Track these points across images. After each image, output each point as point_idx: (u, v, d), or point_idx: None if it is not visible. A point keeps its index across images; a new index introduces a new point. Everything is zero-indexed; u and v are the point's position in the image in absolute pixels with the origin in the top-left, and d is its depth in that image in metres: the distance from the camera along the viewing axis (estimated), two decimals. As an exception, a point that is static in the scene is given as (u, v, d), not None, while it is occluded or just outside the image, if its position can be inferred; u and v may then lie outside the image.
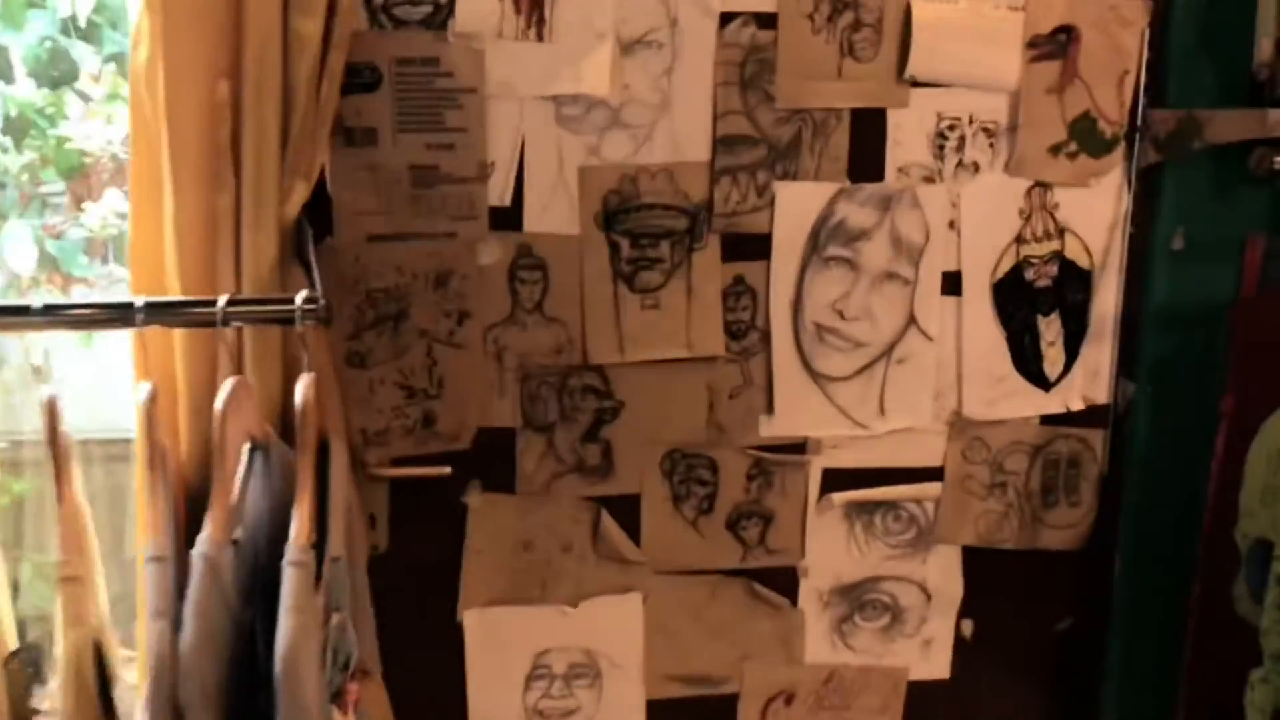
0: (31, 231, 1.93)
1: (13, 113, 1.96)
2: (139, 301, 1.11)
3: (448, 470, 1.56)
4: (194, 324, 1.15)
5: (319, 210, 1.47)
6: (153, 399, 1.09)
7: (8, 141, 1.96)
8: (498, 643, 1.65)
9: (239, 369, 1.34)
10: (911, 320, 1.64)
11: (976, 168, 1.62)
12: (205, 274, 1.32)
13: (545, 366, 1.58)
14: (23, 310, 1.14)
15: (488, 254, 1.54)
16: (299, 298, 1.13)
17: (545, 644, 1.68)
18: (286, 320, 1.13)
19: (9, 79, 1.93)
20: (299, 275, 1.38)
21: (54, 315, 1.13)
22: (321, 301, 1.13)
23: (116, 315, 1.12)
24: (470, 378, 1.56)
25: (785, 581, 1.71)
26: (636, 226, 1.56)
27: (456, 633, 1.64)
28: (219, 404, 1.09)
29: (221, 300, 1.12)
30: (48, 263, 1.95)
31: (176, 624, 0.98)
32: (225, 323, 1.12)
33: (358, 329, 1.52)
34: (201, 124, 1.29)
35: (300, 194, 1.35)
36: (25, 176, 1.99)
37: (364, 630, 1.47)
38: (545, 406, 1.59)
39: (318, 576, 1.18)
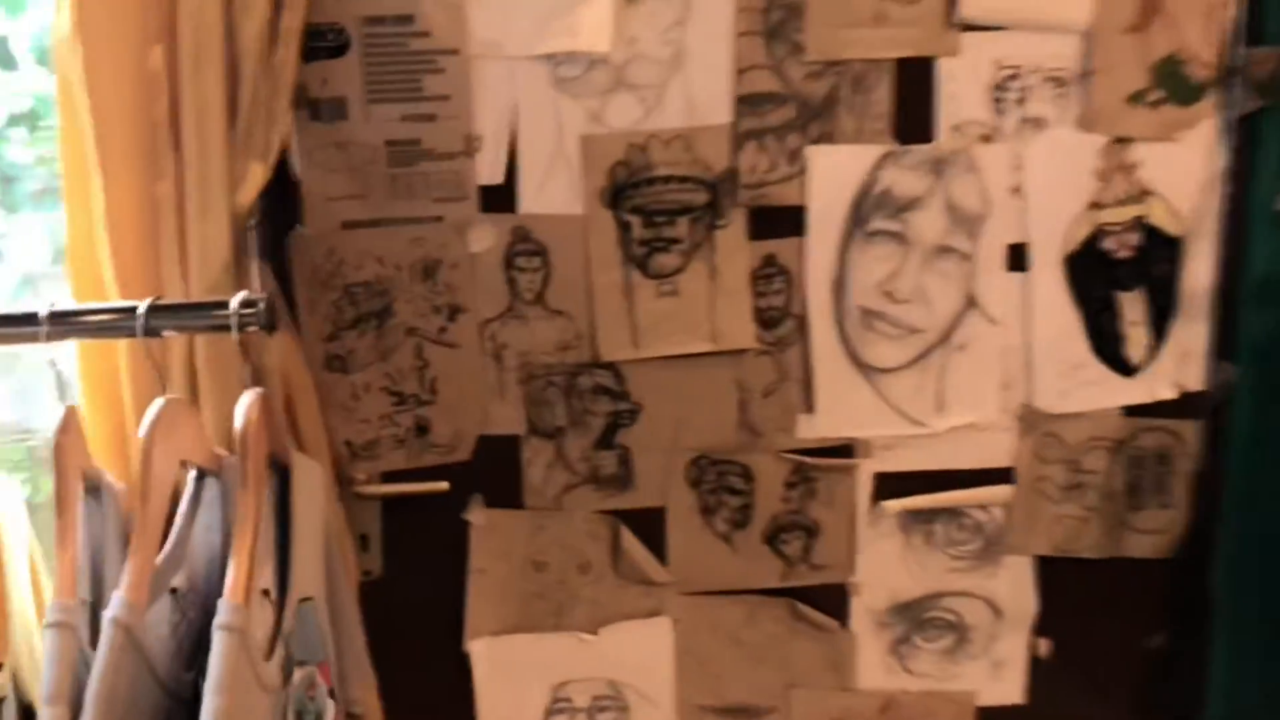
0: (47, 225, 1.80)
1: (25, 105, 1.82)
2: (43, 311, 0.94)
3: (445, 486, 1.39)
4: (106, 335, 0.98)
5: (286, 196, 1.30)
6: (65, 427, 0.92)
7: (21, 133, 1.83)
8: (511, 675, 1.48)
9: (192, 382, 1.17)
10: (971, 301, 1.42)
11: (1043, 123, 1.39)
12: (146, 275, 1.16)
13: (550, 365, 1.39)
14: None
15: (479, 240, 1.35)
16: (234, 301, 0.96)
17: (564, 675, 1.49)
18: (221, 327, 0.96)
19: (11, 66, 1.80)
20: (261, 273, 1.21)
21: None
22: (262, 304, 0.95)
23: (19, 329, 0.94)
24: (466, 380, 1.38)
25: (834, 600, 1.51)
26: (649, 202, 1.36)
27: (464, 664, 1.46)
28: (142, 431, 0.92)
29: (141, 306, 0.95)
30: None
31: (77, 709, 0.80)
32: (150, 333, 0.94)
33: (337, 329, 1.35)
34: (132, 98, 1.12)
35: (256, 178, 1.18)
36: (41, 169, 1.86)
37: (355, 669, 1.30)
38: (552, 410, 1.40)
39: (276, 629, 1.01)
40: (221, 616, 0.86)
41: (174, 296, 1.16)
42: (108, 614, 0.83)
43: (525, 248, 1.36)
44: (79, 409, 0.95)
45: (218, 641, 0.84)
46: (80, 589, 0.92)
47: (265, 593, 0.99)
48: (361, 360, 1.35)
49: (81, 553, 0.98)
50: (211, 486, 1.07)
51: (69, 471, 0.90)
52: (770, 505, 1.46)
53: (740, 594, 1.49)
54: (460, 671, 1.46)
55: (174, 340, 1.15)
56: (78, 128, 1.13)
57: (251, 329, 0.95)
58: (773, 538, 1.48)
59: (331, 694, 1.15)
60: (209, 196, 1.15)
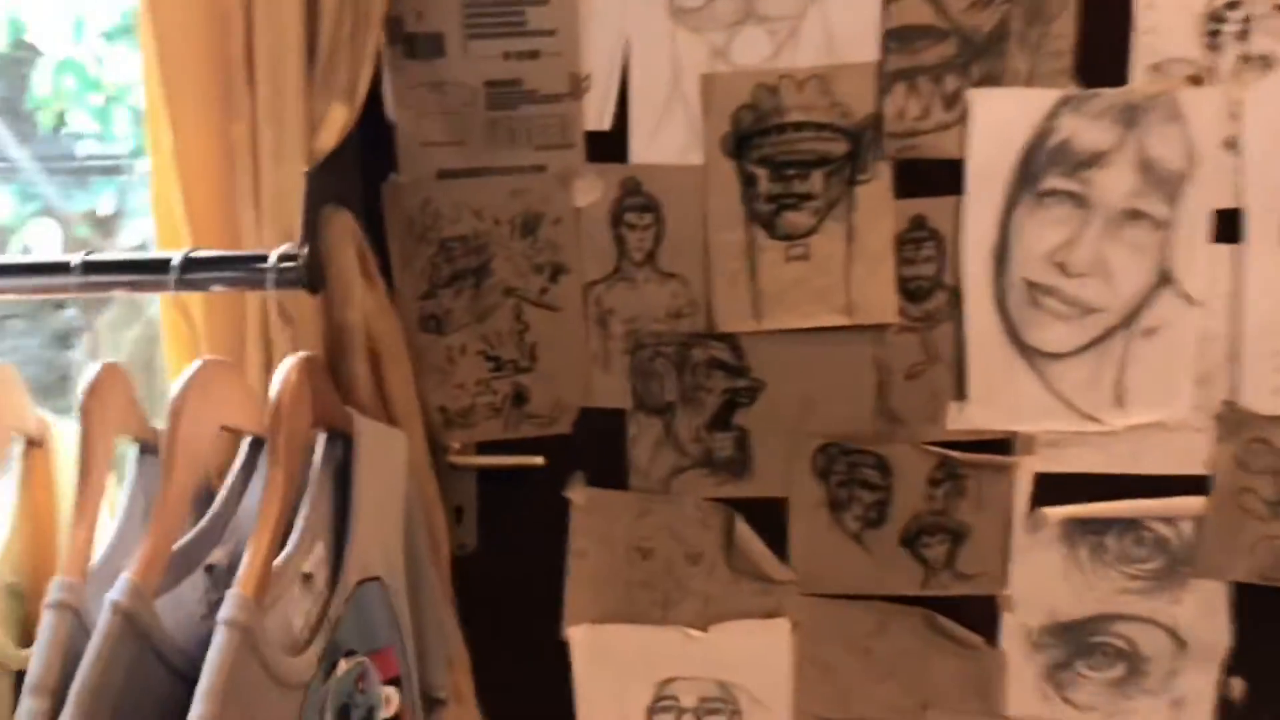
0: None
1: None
2: (75, 259, 0.87)
3: (540, 461, 1.27)
4: (140, 289, 0.90)
5: (381, 141, 1.20)
6: (95, 388, 0.85)
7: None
8: (612, 666, 1.36)
9: (266, 341, 1.09)
10: (1165, 277, 1.19)
11: (1271, 62, 1.13)
12: (220, 224, 1.08)
13: (660, 334, 1.25)
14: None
15: (585, 192, 1.22)
16: (274, 255, 0.86)
17: (670, 671, 1.37)
18: (255, 284, 0.86)
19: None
20: (342, 224, 1.12)
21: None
22: (301, 259, 0.85)
23: (50, 279, 0.88)
24: (568, 347, 1.26)
25: (980, 614, 1.31)
26: (778, 152, 1.19)
27: (561, 649, 1.36)
28: (173, 396, 0.84)
29: (176, 258, 0.86)
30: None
31: (58, 705, 0.73)
32: (179, 288, 0.86)
33: (432, 286, 1.25)
34: (204, 32, 1.03)
35: (337, 119, 1.08)
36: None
37: (438, 650, 1.21)
38: (661, 384, 1.26)
39: (321, 617, 0.92)
40: (225, 609, 0.77)
41: (250, 245, 1.09)
42: (108, 596, 0.75)
43: (635, 202, 1.21)
44: (119, 368, 0.88)
45: (216, 638, 0.75)
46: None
47: (307, 577, 0.90)
48: (457, 321, 1.25)
49: (128, 523, 0.92)
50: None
51: (95, 436, 0.83)
52: (910, 503, 1.28)
53: (871, 599, 1.32)
54: (557, 657, 1.36)
55: (251, 296, 1.07)
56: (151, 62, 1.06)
57: (289, 288, 0.85)
58: (912, 540, 1.29)
59: (395, 681, 1.07)
60: (284, 139, 1.06)
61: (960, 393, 1.24)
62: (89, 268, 0.87)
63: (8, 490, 0.93)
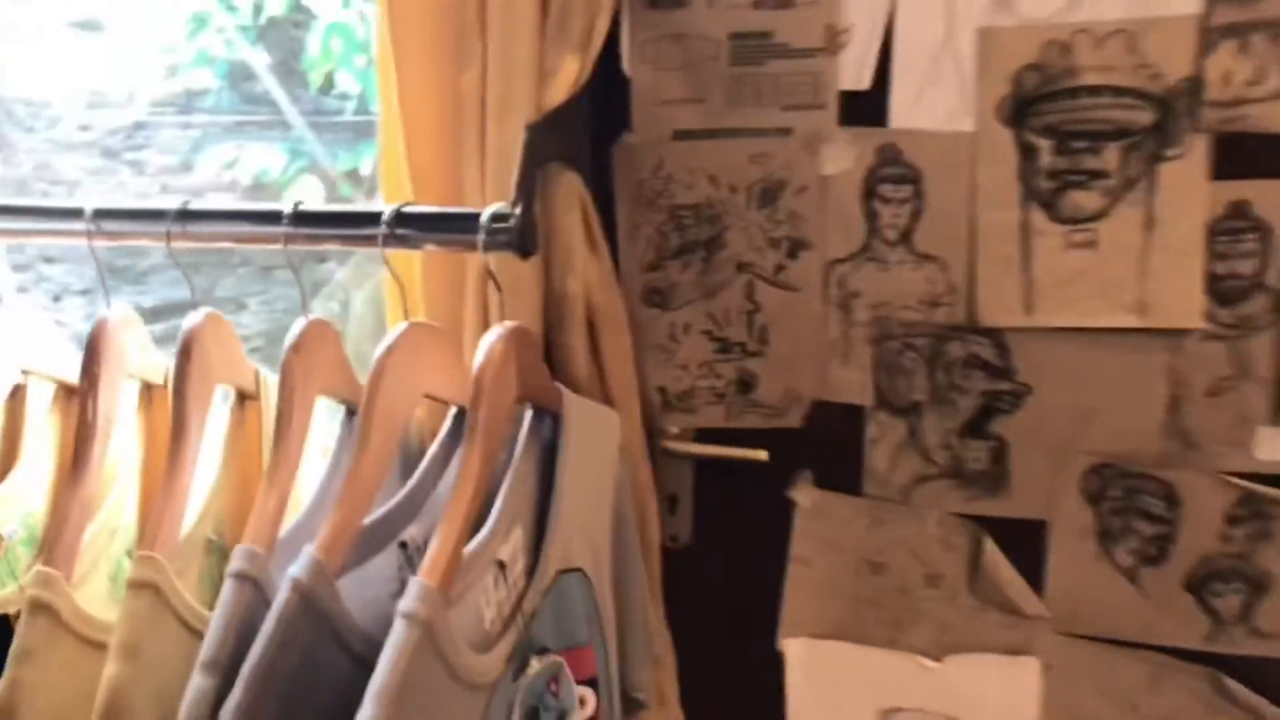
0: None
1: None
2: (285, 209, 0.82)
3: (763, 455, 1.16)
4: (348, 243, 0.84)
5: (615, 97, 1.12)
6: (300, 344, 0.80)
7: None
8: (830, 687, 1.23)
9: (484, 307, 1.03)
10: None
11: None
12: (446, 181, 1.02)
13: (912, 324, 1.10)
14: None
15: (835, 159, 1.08)
16: (485, 213, 0.78)
17: (896, 700, 1.22)
18: (465, 244, 0.79)
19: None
20: (568, 185, 1.04)
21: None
22: (514, 220, 0.77)
23: (258, 228, 0.83)
24: (804, 331, 1.13)
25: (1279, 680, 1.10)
26: (1067, 121, 1.02)
27: (774, 660, 1.24)
28: (375, 360, 0.77)
29: (387, 213, 0.80)
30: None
31: (229, 684, 0.68)
32: (388, 244, 0.80)
33: (659, 257, 1.15)
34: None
35: (569, 71, 1.00)
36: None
37: (642, 649, 1.12)
38: (909, 380, 1.12)
39: (515, 610, 0.85)
40: (407, 600, 0.70)
41: (474, 202, 1.02)
42: (289, 571, 0.70)
43: (893, 172, 1.07)
44: (328, 324, 0.83)
45: (394, 631, 0.69)
46: (303, 533, 0.80)
47: (501, 565, 0.82)
48: (684, 296, 1.15)
49: (327, 489, 0.88)
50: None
51: (295, 396, 0.79)
52: (1201, 542, 1.08)
53: (1143, 649, 1.13)
54: (770, 667, 1.24)
55: (471, 258, 1.01)
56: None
57: (499, 250, 0.77)
58: (1200, 585, 1.09)
59: (592, 682, 0.98)
60: (512, 90, 0.98)
61: (1276, 417, 1.03)
62: (298, 219, 0.82)
63: (215, 443, 0.91)
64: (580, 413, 0.95)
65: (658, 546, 1.18)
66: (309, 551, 0.71)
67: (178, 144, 3.41)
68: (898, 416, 1.13)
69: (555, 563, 0.91)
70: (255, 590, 0.71)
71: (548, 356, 1.06)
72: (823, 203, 1.09)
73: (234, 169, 3.26)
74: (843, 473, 1.16)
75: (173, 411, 0.80)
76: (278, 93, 3.13)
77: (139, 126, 3.39)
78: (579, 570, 0.96)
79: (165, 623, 0.70)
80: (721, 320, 1.15)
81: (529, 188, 0.86)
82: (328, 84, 2.78)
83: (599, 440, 1.00)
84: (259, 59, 3.09)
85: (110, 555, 0.85)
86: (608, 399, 1.09)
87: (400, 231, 0.80)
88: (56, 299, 3.22)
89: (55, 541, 0.76)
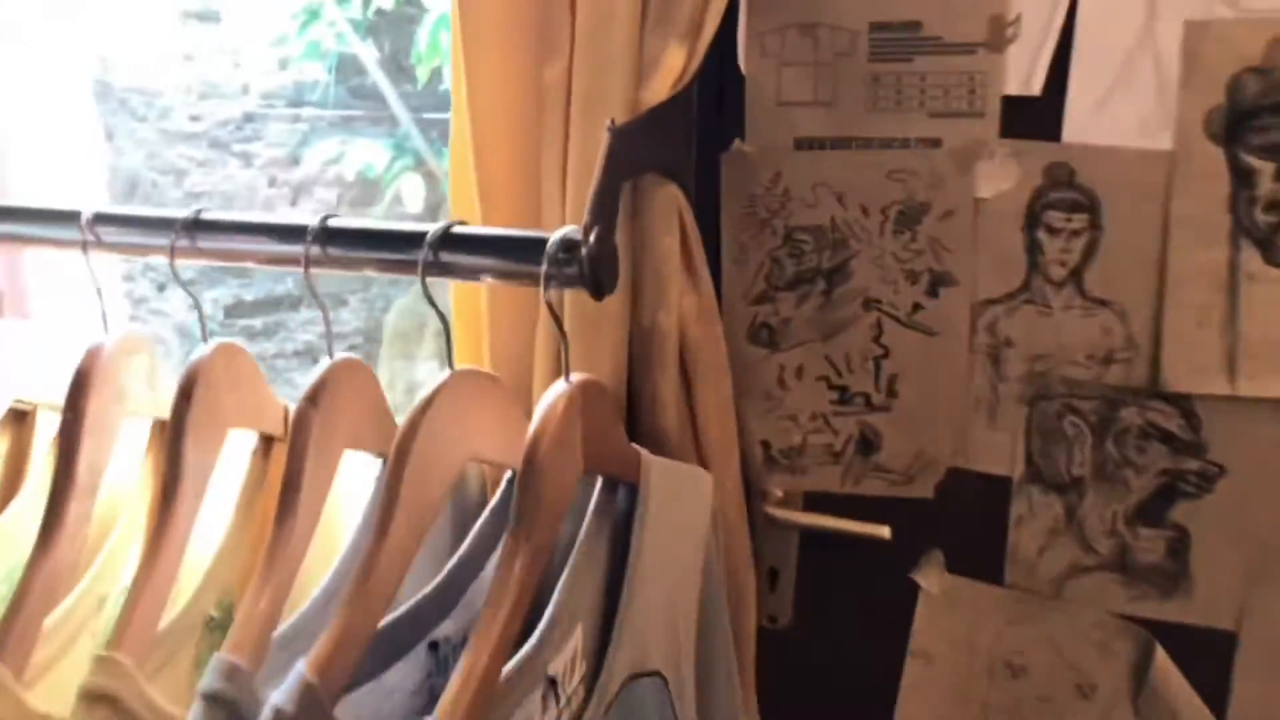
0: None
1: None
2: (312, 223, 0.67)
3: (885, 532, 0.97)
4: (384, 269, 0.68)
5: (728, 97, 0.94)
6: (315, 395, 0.64)
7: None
8: (951, 803, 1.04)
9: (557, 343, 0.86)
10: None
11: None
12: (519, 189, 0.86)
13: (1078, 383, 0.90)
14: None
15: (994, 179, 0.89)
16: (552, 239, 0.61)
17: (1030, 827, 1.02)
18: (521, 276, 0.62)
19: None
20: (666, 200, 0.86)
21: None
22: (587, 249, 0.60)
23: (278, 246, 0.67)
24: (942, 384, 0.94)
25: None
26: (1297, 140, 0.81)
27: (885, 769, 1.05)
28: (405, 420, 0.61)
29: (431, 233, 0.64)
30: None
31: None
32: (429, 272, 0.63)
33: (770, 287, 0.97)
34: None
35: (673, 64, 0.82)
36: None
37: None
38: (1070, 451, 0.91)
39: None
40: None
41: (551, 220, 0.86)
42: (272, 699, 0.54)
43: (1064, 197, 0.87)
44: (358, 364, 0.67)
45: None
46: (311, 628, 0.64)
47: (551, 682, 0.65)
48: (797, 334, 0.97)
49: (340, 565, 0.72)
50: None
51: (305, 460, 0.63)
52: None
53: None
54: (880, 778, 1.05)
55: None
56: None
57: (563, 287, 0.60)
58: None
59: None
60: (603, 87, 0.81)
61: None
62: (328, 236, 0.66)
63: (229, 499, 0.76)
64: (663, 479, 0.78)
65: (753, 628, 1.00)
66: (299, 672, 0.55)
67: (286, 137, 3.35)
68: (1053, 493, 0.93)
69: (624, 668, 0.73)
70: (231, 717, 0.55)
71: (631, 404, 0.89)
72: (974, 231, 0.90)
73: (339, 164, 3.18)
74: (980, 556, 0.96)
75: (164, 466, 0.66)
76: (385, 87, 3.03)
77: (248, 119, 3.33)
78: (655, 674, 0.79)
79: (121, 745, 0.55)
80: (842, 365, 0.96)
81: (609, 205, 0.69)
82: (435, 79, 2.67)
83: (686, 509, 0.83)
84: (368, 53, 2.99)
85: (98, 628, 0.70)
86: (701, 455, 0.91)
87: (445, 258, 0.64)
88: (161, 288, 3.18)
89: (5, 631, 0.62)
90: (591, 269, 0.60)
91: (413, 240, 0.64)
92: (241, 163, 3.15)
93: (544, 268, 0.61)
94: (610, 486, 0.73)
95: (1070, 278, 0.89)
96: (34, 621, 0.64)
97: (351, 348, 2.97)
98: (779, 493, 1.01)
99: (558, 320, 0.65)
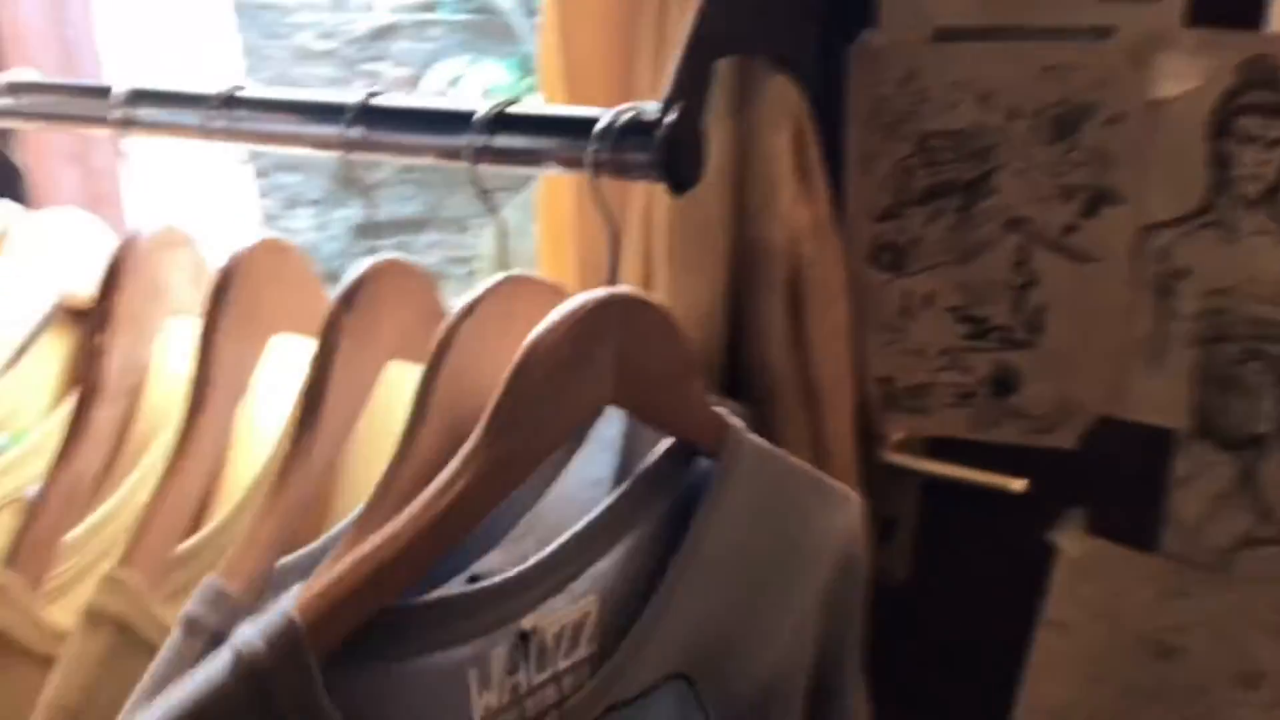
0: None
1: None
2: (351, 101, 0.58)
3: (1020, 485, 0.85)
4: (418, 152, 0.59)
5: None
6: (351, 296, 0.56)
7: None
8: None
9: (647, 248, 0.77)
10: None
11: None
12: (611, 72, 0.76)
13: (1266, 323, 0.76)
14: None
15: (1176, 76, 0.74)
16: (605, 116, 0.51)
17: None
18: (568, 162, 0.53)
19: None
20: (778, 95, 0.75)
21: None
22: (662, 130, 0.50)
23: (314, 128, 0.59)
24: (1098, 319, 0.81)
25: None
26: None
27: (1007, 746, 0.94)
28: (444, 322, 0.53)
29: (481, 112, 0.55)
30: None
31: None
32: (480, 158, 0.54)
33: (898, 202, 0.85)
34: None
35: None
36: None
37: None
38: (1251, 403, 0.78)
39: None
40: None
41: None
42: (237, 632, 0.45)
43: (1263, 99, 0.72)
44: (405, 264, 0.59)
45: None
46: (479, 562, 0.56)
47: (523, 637, 0.55)
48: (927, 256, 0.85)
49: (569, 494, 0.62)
50: (621, 425, 0.65)
51: (334, 367, 0.55)
52: None
53: None
54: (1000, 756, 0.94)
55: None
56: None
57: (631, 176, 0.50)
58: None
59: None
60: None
61: None
62: (368, 116, 0.58)
63: (279, 411, 0.69)
64: (760, 467, 0.61)
65: (867, 583, 0.90)
66: (284, 605, 0.47)
67: (413, 57, 3.33)
68: (1226, 451, 0.79)
69: (651, 670, 0.61)
70: (210, 649, 0.48)
71: (732, 334, 0.79)
72: (1148, 139, 0.76)
73: (460, 84, 3.14)
74: (1132, 518, 0.84)
75: (193, 374, 0.59)
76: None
77: (377, 35, 3.31)
78: (681, 678, 0.65)
79: (128, 672, 0.49)
80: (979, 294, 0.84)
81: (697, 81, 0.58)
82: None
83: (797, 520, 0.66)
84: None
85: (129, 546, 0.65)
86: (810, 392, 0.81)
87: (500, 143, 0.55)
88: (290, 206, 3.23)
89: (20, 541, 0.57)
90: (668, 153, 0.50)
91: (465, 120, 0.55)
92: (368, 82, 3.15)
93: (592, 148, 0.50)
94: (682, 454, 0.61)
95: (1264, 197, 0.74)
96: (54, 532, 0.59)
97: (471, 274, 2.94)
98: (899, 436, 0.90)
99: (608, 214, 0.54)
